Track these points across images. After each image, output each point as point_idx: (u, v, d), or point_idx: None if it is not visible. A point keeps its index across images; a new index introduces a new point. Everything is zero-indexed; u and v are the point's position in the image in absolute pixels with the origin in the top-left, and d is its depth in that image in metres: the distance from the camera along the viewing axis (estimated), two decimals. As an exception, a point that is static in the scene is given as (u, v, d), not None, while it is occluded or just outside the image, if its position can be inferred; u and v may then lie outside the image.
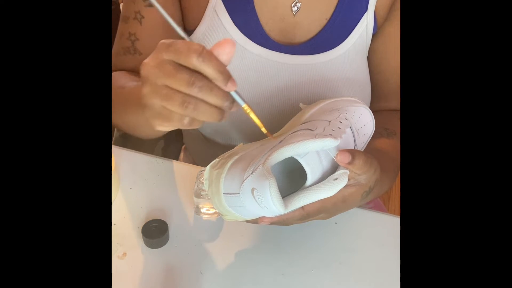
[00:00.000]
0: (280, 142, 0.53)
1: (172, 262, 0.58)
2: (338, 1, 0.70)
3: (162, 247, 0.60)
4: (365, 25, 0.72)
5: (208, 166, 0.54)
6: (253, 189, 0.50)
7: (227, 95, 0.46)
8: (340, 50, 0.72)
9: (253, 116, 0.51)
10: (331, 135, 0.53)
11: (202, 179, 0.61)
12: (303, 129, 0.55)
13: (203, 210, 0.63)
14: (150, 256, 0.59)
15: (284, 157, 0.50)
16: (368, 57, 0.77)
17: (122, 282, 0.56)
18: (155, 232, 0.60)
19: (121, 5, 0.74)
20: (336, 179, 0.52)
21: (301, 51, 0.71)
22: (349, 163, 0.51)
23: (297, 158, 0.50)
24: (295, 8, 0.70)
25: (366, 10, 0.72)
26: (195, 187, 0.62)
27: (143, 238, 0.60)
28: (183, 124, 0.46)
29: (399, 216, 0.64)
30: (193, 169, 0.69)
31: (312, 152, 0.51)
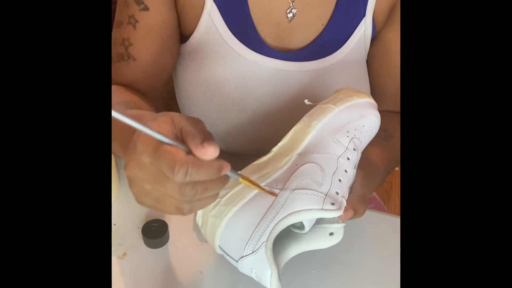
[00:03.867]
0: (283, 190, 0.51)
1: (172, 262, 0.58)
2: (335, 7, 0.70)
3: (162, 247, 0.60)
4: (363, 30, 0.72)
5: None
6: (251, 268, 0.49)
7: (224, 182, 0.43)
8: (338, 56, 0.72)
9: (249, 184, 0.47)
10: (338, 193, 0.51)
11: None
12: (308, 178, 0.51)
13: (203, 210, 0.63)
14: (150, 256, 0.59)
15: (286, 226, 0.49)
16: (367, 61, 0.77)
17: (122, 282, 0.56)
18: (155, 232, 0.60)
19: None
20: (332, 233, 0.51)
21: (298, 58, 0.70)
22: (351, 218, 0.51)
23: None
24: (290, 15, 0.69)
25: (364, 15, 0.71)
26: (195, 187, 0.62)
27: (143, 238, 0.60)
28: (181, 214, 0.43)
29: (399, 216, 0.64)
30: (193, 169, 0.69)
31: None
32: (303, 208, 0.49)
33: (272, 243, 0.48)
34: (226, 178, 0.43)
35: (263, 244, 0.48)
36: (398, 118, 0.75)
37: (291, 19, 0.69)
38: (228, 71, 0.69)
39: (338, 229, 0.51)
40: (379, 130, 0.67)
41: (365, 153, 0.61)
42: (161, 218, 0.62)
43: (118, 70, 0.69)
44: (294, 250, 0.53)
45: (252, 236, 0.49)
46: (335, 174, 0.52)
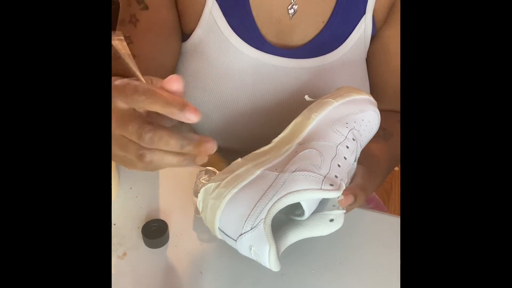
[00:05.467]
0: (282, 172, 0.51)
1: (172, 262, 0.58)
2: (336, 5, 0.70)
3: (162, 247, 0.60)
4: (363, 28, 0.72)
5: (203, 190, 0.53)
6: (250, 246, 0.49)
7: (181, 138, 0.42)
8: (338, 54, 0.72)
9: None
10: (337, 176, 0.51)
11: (202, 179, 0.61)
12: (308, 162, 0.52)
13: (203, 210, 0.63)
14: (150, 256, 0.59)
15: (285, 205, 0.49)
16: (366, 59, 0.77)
17: (122, 282, 0.56)
18: (155, 232, 0.60)
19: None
20: (332, 220, 0.52)
21: (298, 55, 0.71)
22: (351, 204, 0.51)
23: None
24: (291, 11, 0.69)
25: (364, 13, 0.71)
26: (195, 187, 0.62)
27: (143, 238, 0.60)
28: (149, 169, 0.44)
29: (399, 216, 0.64)
30: (193, 169, 0.69)
31: None
32: (302, 188, 0.49)
33: (271, 221, 0.49)
34: (188, 138, 0.43)
35: (261, 221, 0.48)
36: (397, 117, 0.75)
37: (292, 16, 0.69)
38: (229, 68, 0.70)
39: (338, 215, 0.51)
40: (378, 129, 0.67)
41: (365, 150, 0.62)
42: (161, 218, 0.62)
43: (118, 66, 0.70)
44: (294, 236, 0.53)
45: (251, 213, 0.49)
46: (334, 159, 0.53)
